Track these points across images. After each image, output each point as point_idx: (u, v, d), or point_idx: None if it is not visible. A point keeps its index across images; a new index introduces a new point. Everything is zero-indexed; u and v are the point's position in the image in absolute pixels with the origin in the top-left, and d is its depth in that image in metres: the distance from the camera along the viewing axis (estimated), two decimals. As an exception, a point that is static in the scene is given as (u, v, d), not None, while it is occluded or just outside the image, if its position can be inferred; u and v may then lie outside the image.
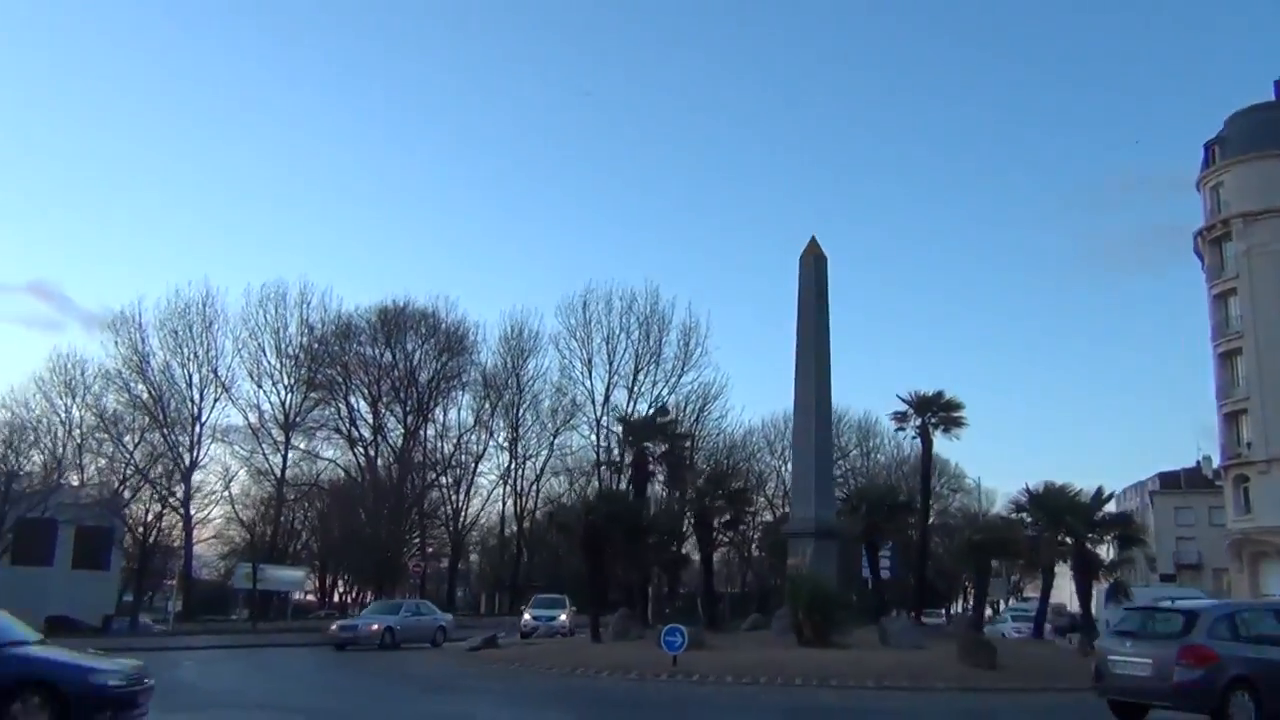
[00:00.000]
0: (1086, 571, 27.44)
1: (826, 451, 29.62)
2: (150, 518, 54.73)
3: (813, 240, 30.73)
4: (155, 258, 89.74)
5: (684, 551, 36.87)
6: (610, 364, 59.35)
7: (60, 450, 52.50)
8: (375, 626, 32.59)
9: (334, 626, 34.60)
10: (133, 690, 11.61)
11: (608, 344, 59.41)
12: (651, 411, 44.07)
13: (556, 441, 60.57)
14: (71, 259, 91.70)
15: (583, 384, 59.34)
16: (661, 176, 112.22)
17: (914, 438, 32.45)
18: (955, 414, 29.97)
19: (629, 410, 56.33)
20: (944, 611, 65.07)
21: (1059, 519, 27.09)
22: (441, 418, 60.55)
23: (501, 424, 61.03)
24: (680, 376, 59.15)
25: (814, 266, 30.18)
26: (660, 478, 35.70)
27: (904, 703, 18.49)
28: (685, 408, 58.95)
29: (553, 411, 60.22)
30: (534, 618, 38.69)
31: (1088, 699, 15.54)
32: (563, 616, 38.44)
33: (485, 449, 61.17)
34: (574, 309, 59.63)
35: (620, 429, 38.42)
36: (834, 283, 30.00)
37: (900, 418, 31.89)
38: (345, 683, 21.66)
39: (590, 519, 27.87)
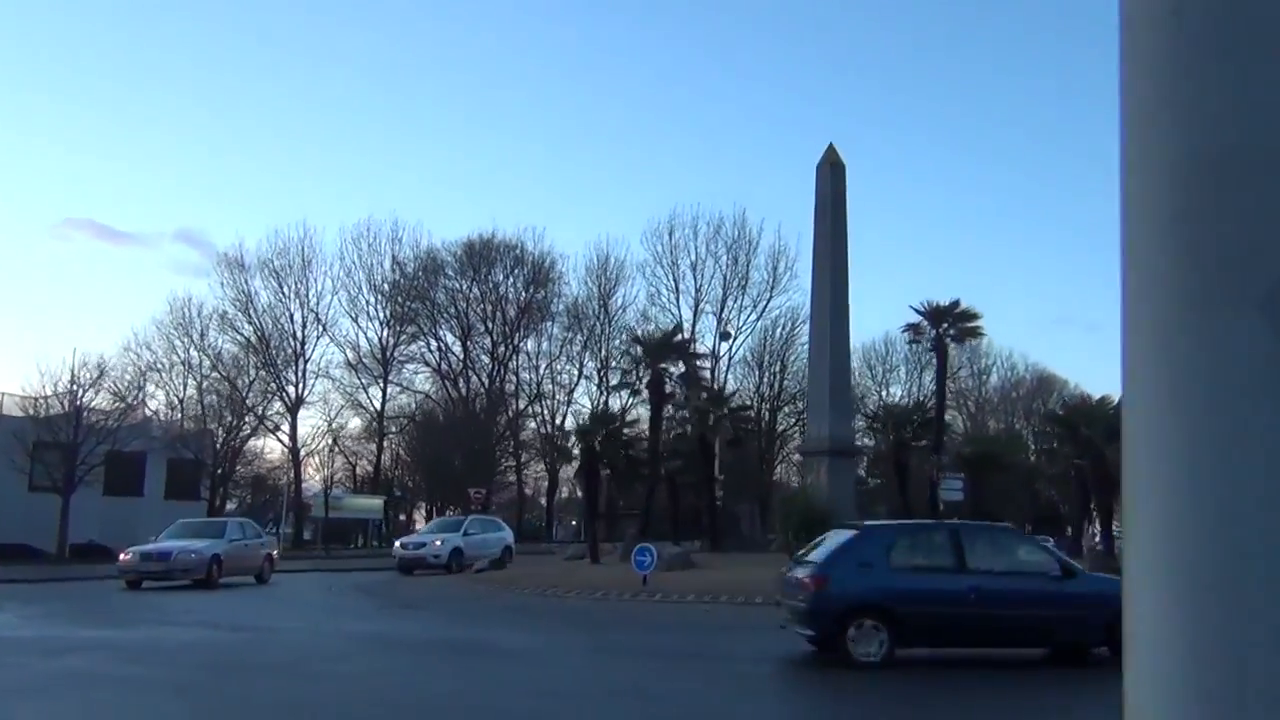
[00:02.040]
0: (1109, 492, 25.44)
1: (842, 364, 28.43)
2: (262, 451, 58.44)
3: (830, 148, 29.38)
4: (260, 197, 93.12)
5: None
6: (697, 290, 58.63)
7: (181, 390, 56.68)
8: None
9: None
10: None
11: (694, 270, 58.64)
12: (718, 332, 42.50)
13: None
14: (213, 204, 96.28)
15: (670, 311, 58.86)
16: (742, 92, 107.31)
17: (930, 350, 30.69)
18: (971, 324, 28.19)
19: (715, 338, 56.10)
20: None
21: (1074, 430, 25.21)
22: (533, 348, 61.23)
23: (588, 355, 61.25)
24: (769, 301, 57.98)
25: (830, 174, 28.89)
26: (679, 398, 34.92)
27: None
28: (775, 332, 58.02)
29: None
30: (404, 546, 32.56)
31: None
32: (437, 543, 30.87)
33: (577, 381, 61.67)
34: (660, 235, 58.93)
35: (639, 349, 37.50)
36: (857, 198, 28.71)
37: (914, 330, 30.25)
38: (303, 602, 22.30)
39: (586, 441, 27.69)
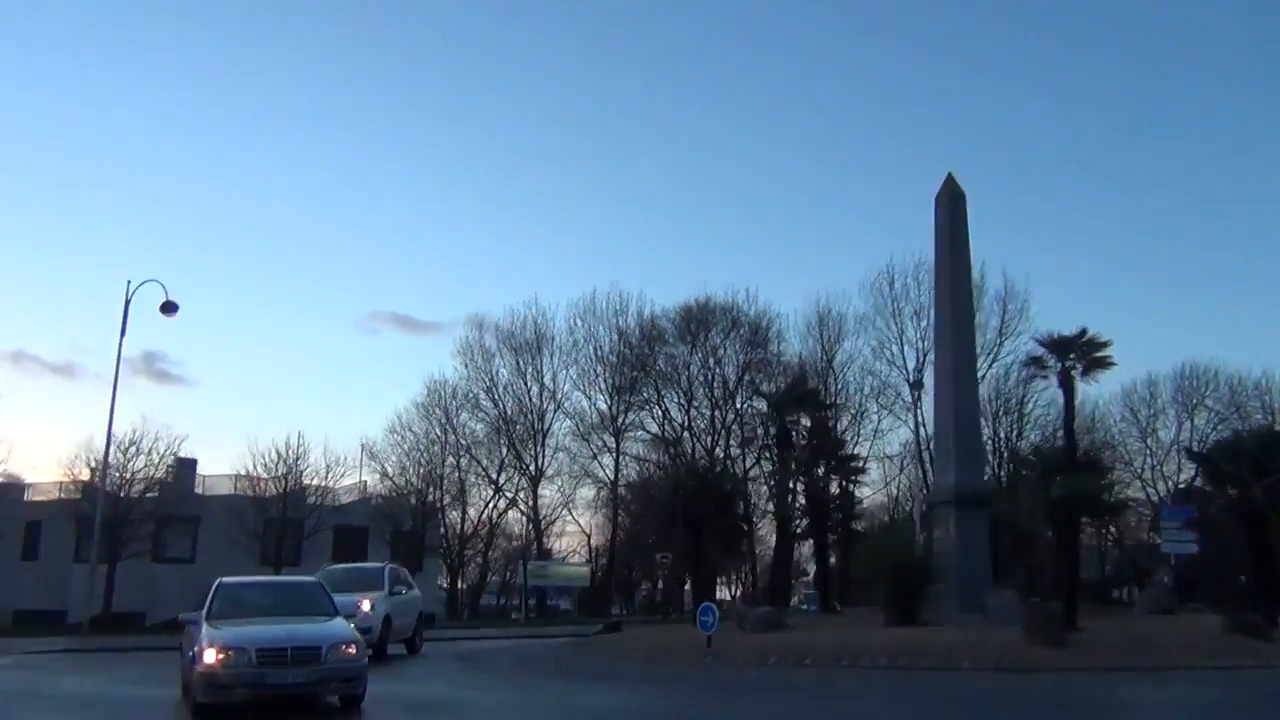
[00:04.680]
0: (1264, 527, 21.67)
1: (969, 404, 26.29)
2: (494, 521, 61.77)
3: (949, 178, 27.79)
4: (486, 277, 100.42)
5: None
6: (922, 340, 55.95)
7: (438, 467, 61.19)
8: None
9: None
10: None
11: (917, 318, 56.02)
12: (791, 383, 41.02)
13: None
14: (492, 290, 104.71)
15: (896, 363, 56.53)
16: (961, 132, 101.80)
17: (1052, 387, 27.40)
18: (1100, 354, 25.04)
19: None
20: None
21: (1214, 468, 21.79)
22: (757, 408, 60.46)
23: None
24: (1000, 346, 54.36)
25: (949, 205, 27.30)
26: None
27: (863, 683, 16.57)
28: (1007, 379, 54.31)
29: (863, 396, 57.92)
30: None
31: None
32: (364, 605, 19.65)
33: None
34: (879, 286, 56.97)
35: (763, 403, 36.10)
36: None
37: (1036, 364, 27.27)
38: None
39: (681, 496, 27.20)
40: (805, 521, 32.37)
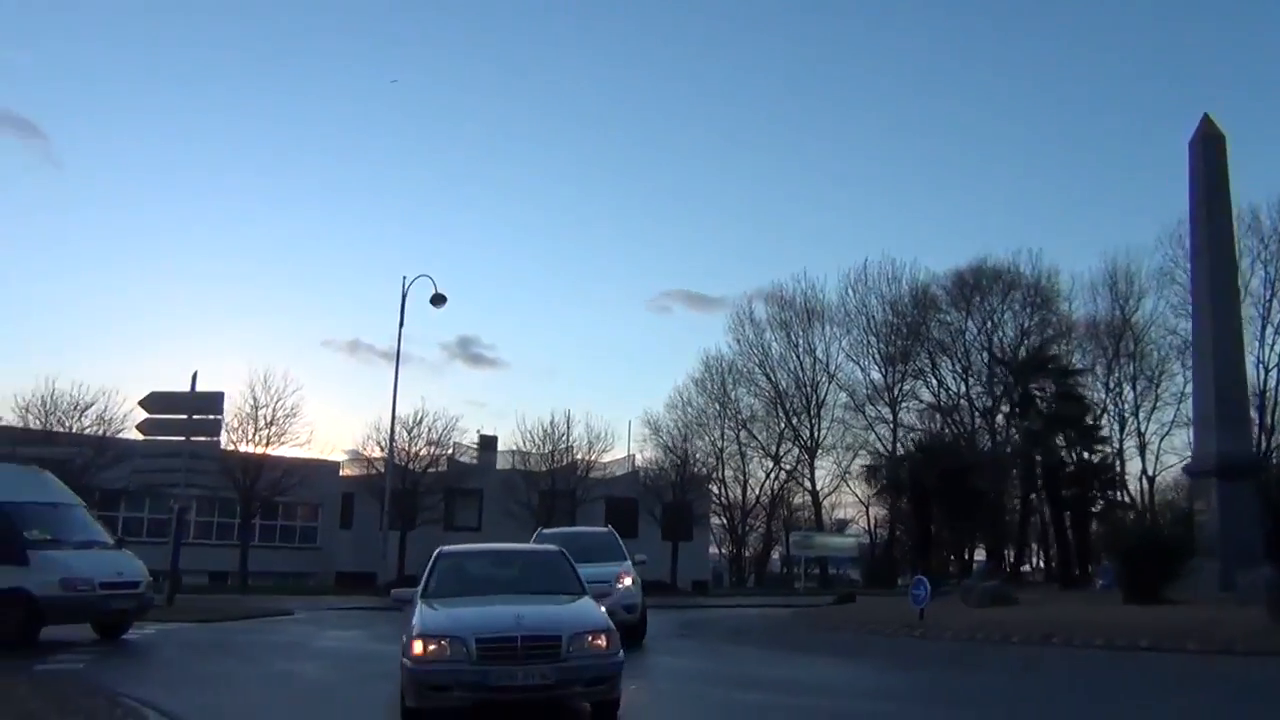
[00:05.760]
0: None
1: (1231, 366, 23.52)
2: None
3: (1205, 119, 25.12)
4: (756, 250, 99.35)
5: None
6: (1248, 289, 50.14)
7: (717, 441, 62.69)
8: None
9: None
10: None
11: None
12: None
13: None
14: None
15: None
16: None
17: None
18: None
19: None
20: None
21: None
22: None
23: (1120, 376, 55.35)
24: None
25: (1204, 150, 24.77)
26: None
27: (1057, 663, 15.74)
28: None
29: (1161, 357, 53.12)
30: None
31: None
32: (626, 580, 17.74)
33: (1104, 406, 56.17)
34: (1176, 237, 51.92)
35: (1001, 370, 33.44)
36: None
37: None
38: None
39: (910, 470, 26.21)
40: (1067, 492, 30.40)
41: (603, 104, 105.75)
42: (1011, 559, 53.48)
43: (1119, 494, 36.14)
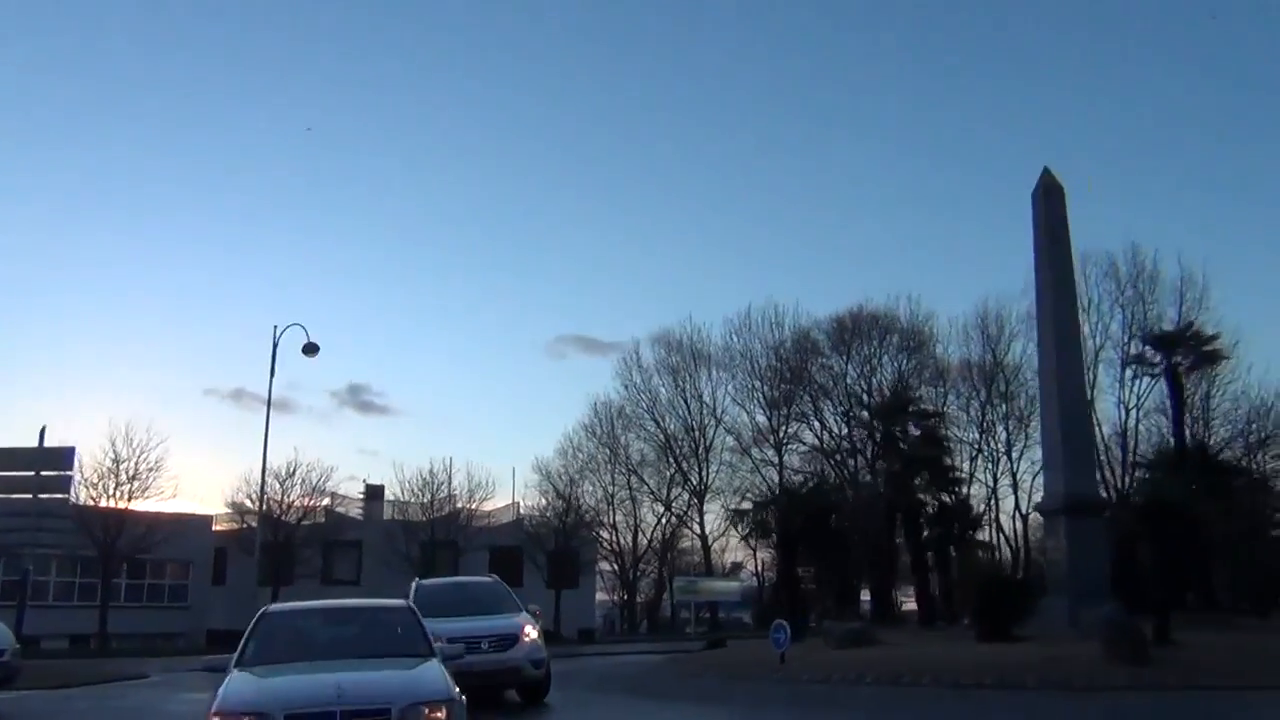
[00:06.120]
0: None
1: (1076, 405, 24.67)
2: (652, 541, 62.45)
3: (1045, 171, 26.49)
4: (649, 295, 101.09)
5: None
6: (1095, 337, 52.69)
7: (611, 487, 62.72)
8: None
9: None
10: None
11: (1087, 315, 52.79)
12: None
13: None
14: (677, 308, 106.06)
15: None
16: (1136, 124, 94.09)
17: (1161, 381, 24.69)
18: (1209, 347, 22.69)
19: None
20: None
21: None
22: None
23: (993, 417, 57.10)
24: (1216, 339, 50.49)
25: (1046, 200, 26.05)
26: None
27: (896, 701, 16.13)
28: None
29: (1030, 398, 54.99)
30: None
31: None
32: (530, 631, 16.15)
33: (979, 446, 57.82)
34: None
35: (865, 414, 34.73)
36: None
37: (1138, 362, 25.10)
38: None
39: (776, 514, 26.78)
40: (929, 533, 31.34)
41: (498, 146, 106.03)
42: (898, 599, 54.70)
43: (989, 534, 37.33)
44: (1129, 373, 33.55)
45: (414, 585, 17.78)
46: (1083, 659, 17.95)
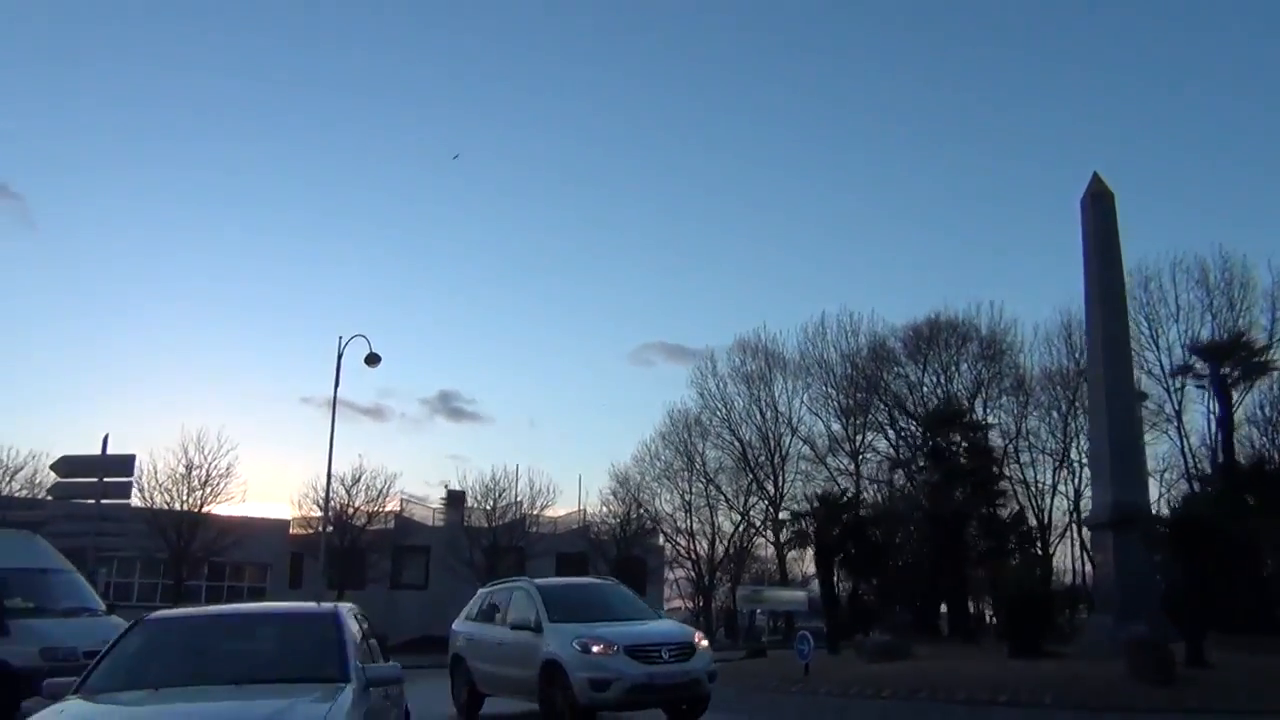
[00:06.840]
0: None
1: (1126, 416, 23.69)
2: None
3: (1095, 177, 25.64)
4: (732, 303, 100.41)
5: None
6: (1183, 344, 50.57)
7: (689, 494, 62.86)
8: None
9: None
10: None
11: (1177, 320, 50.72)
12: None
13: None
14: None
15: (1152, 372, 51.57)
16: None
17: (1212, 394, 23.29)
18: (1259, 358, 21.43)
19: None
20: None
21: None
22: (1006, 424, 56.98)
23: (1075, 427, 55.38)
24: (1269, 350, 48.28)
25: (1095, 207, 25.26)
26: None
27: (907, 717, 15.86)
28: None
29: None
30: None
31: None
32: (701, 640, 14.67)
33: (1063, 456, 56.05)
34: (1130, 290, 52.08)
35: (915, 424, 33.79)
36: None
37: (1184, 371, 23.86)
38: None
39: (814, 524, 26.37)
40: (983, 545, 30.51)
41: (587, 160, 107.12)
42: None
43: (1069, 548, 36.03)
44: (1178, 382, 32.37)
45: (486, 587, 16.79)
46: (1106, 678, 17.39)
